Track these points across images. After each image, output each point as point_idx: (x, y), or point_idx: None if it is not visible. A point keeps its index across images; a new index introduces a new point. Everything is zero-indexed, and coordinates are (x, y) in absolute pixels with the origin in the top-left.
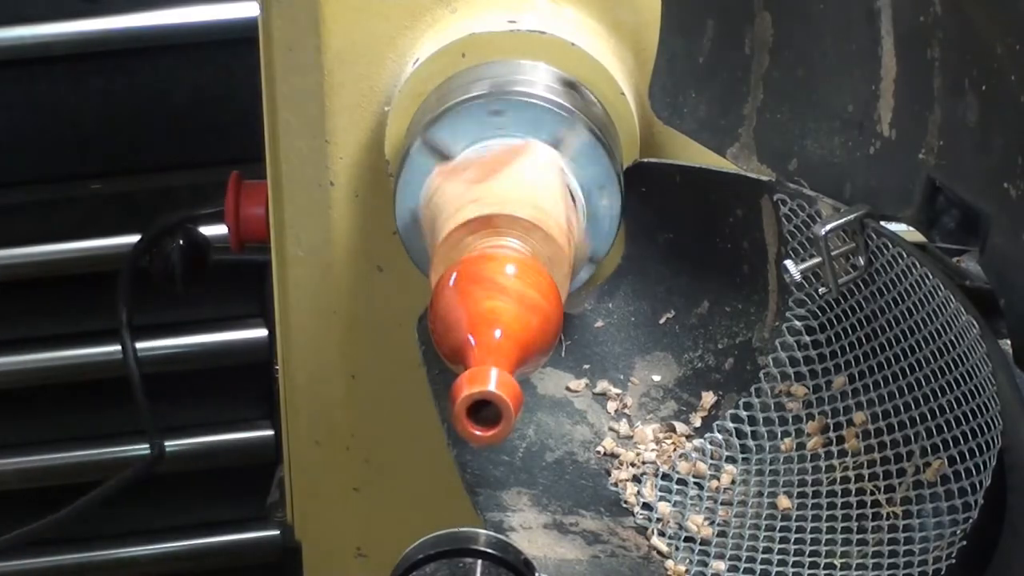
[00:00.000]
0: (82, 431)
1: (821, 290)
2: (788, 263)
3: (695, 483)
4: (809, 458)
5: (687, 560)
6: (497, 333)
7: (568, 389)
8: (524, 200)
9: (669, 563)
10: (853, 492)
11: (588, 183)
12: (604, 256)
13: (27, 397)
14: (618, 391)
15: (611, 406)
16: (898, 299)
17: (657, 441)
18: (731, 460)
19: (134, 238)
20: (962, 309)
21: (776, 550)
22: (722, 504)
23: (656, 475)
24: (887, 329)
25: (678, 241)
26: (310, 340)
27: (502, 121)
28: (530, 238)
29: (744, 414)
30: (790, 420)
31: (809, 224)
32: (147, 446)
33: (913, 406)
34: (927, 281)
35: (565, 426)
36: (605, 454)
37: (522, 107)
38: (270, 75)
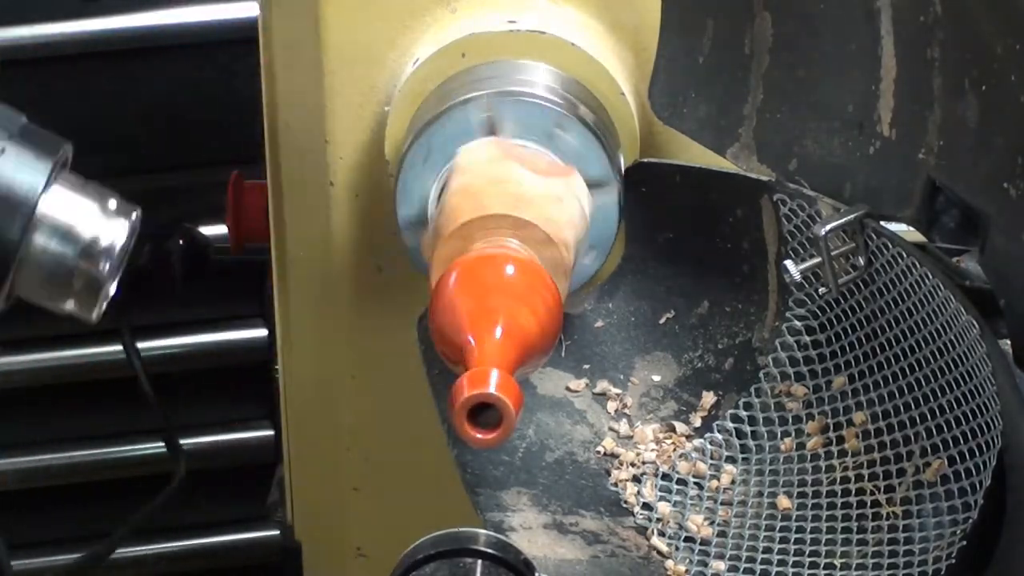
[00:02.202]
0: (83, 431)
1: (821, 290)
2: (788, 263)
3: (695, 483)
4: (809, 458)
5: (687, 560)
6: (497, 333)
7: (568, 389)
8: (563, 223)
9: (669, 563)
10: (853, 492)
11: (591, 236)
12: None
13: (27, 397)
14: (618, 391)
15: (611, 406)
16: (898, 299)
17: (657, 441)
18: (731, 460)
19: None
20: (962, 309)
21: (776, 550)
22: (722, 504)
23: (656, 475)
24: (887, 329)
25: (678, 241)
26: (310, 340)
27: (560, 136)
28: (535, 242)
29: (744, 414)
30: (790, 420)
31: (809, 224)
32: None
33: (913, 406)
34: (927, 281)
35: (565, 426)
36: (605, 454)
37: (583, 135)
38: (270, 75)
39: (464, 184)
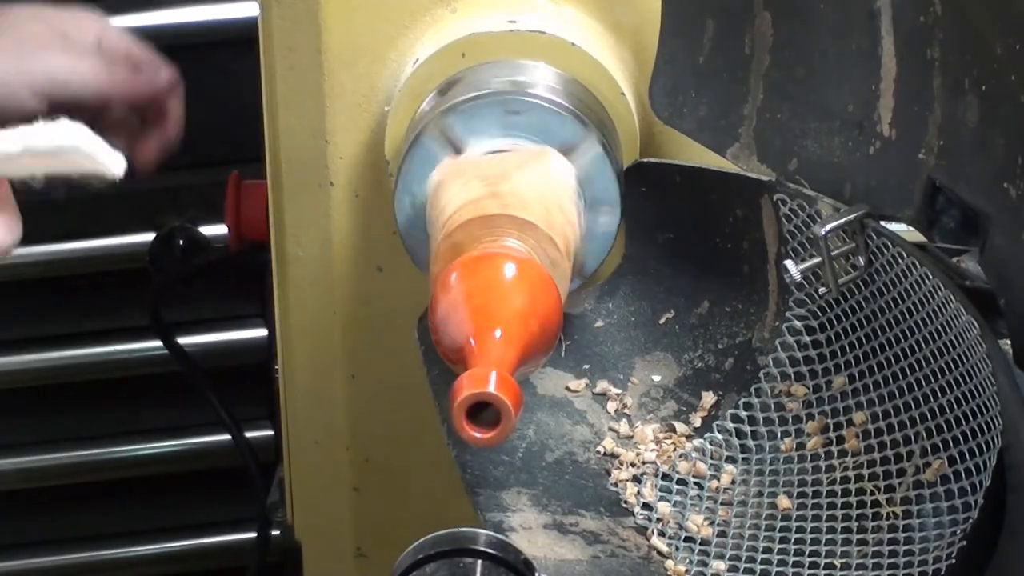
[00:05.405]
0: (83, 431)
1: (821, 290)
2: (788, 263)
3: (695, 483)
4: (809, 458)
5: (687, 560)
6: (497, 333)
7: (568, 389)
8: (538, 205)
9: (669, 563)
10: (853, 492)
11: (592, 198)
12: (591, 273)
13: (28, 397)
14: (618, 391)
15: (611, 406)
16: (898, 299)
17: (657, 441)
18: (731, 460)
19: (134, 238)
20: (962, 309)
21: (776, 550)
22: (722, 504)
23: (656, 475)
24: (887, 329)
25: (678, 241)
26: (310, 340)
27: (518, 121)
28: (532, 240)
29: (744, 414)
30: (790, 420)
31: (809, 224)
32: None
33: (913, 406)
34: (927, 281)
35: (565, 426)
36: (605, 454)
37: (540, 111)
38: (270, 75)
39: (466, 183)
